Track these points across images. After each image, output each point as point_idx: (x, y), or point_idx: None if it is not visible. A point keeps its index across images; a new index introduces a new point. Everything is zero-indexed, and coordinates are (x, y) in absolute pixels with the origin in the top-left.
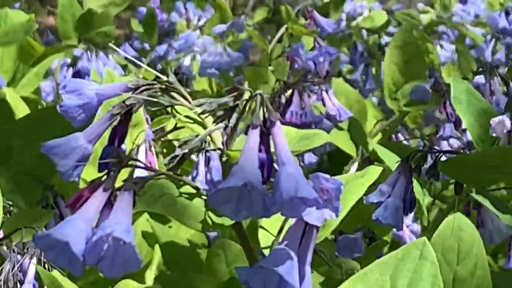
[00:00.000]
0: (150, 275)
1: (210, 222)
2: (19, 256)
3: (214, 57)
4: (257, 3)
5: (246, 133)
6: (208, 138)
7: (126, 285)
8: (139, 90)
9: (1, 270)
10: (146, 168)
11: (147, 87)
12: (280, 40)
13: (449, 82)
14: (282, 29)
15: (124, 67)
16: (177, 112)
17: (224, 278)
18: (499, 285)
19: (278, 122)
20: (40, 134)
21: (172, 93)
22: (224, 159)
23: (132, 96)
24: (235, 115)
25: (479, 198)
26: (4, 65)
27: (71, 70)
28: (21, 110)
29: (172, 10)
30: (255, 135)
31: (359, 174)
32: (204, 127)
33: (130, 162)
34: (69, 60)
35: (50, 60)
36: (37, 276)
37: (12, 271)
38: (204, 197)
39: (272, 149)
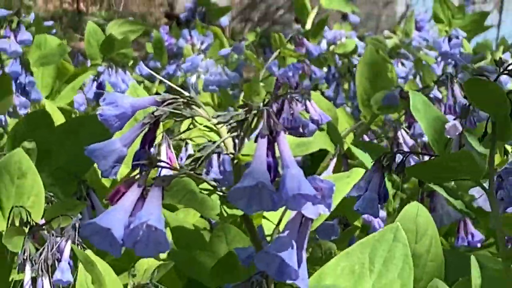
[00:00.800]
0: (163, 254)
1: (224, 213)
2: (57, 239)
3: (215, 77)
4: (252, 29)
5: (255, 141)
6: (222, 144)
7: (146, 262)
8: (165, 103)
9: (42, 250)
10: (171, 168)
11: (172, 100)
12: (273, 61)
13: (410, 93)
14: (276, 53)
15: (141, 82)
16: (196, 122)
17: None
18: (450, 260)
19: (282, 132)
20: (72, 140)
21: (194, 105)
22: (235, 162)
23: (159, 108)
24: (245, 126)
25: (436, 188)
26: (44, 81)
27: (95, 84)
28: (57, 118)
29: (180, 36)
30: (263, 143)
31: (345, 174)
32: (219, 135)
33: (158, 164)
34: (94, 75)
35: (84, 77)
36: (72, 255)
37: (51, 251)
38: (219, 192)
39: (277, 154)
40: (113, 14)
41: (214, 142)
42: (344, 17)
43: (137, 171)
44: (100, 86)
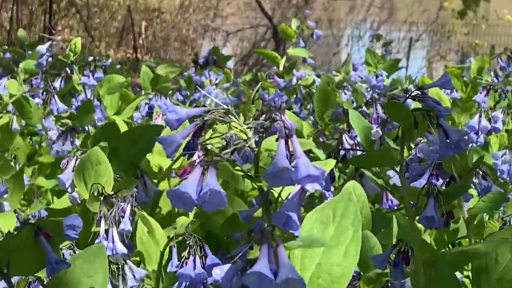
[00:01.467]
0: (191, 215)
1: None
2: (121, 203)
3: (222, 100)
4: (248, 71)
5: (276, 140)
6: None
7: (181, 219)
8: (211, 112)
9: (112, 210)
10: (218, 155)
11: (216, 111)
12: (258, 91)
13: (349, 110)
14: (259, 85)
15: (177, 105)
16: (232, 125)
17: None
18: (376, 218)
19: (294, 135)
20: (131, 142)
21: (230, 115)
22: (255, 153)
23: (208, 115)
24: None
25: (365, 172)
26: (112, 104)
27: (147, 106)
28: (122, 128)
29: (202, 74)
30: (283, 141)
31: (324, 162)
32: (246, 134)
33: (210, 153)
34: (146, 101)
35: (137, 101)
36: (131, 214)
37: (117, 211)
38: (248, 174)
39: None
40: (159, 60)
41: (245, 140)
42: (304, 60)
43: (187, 156)
44: (150, 108)
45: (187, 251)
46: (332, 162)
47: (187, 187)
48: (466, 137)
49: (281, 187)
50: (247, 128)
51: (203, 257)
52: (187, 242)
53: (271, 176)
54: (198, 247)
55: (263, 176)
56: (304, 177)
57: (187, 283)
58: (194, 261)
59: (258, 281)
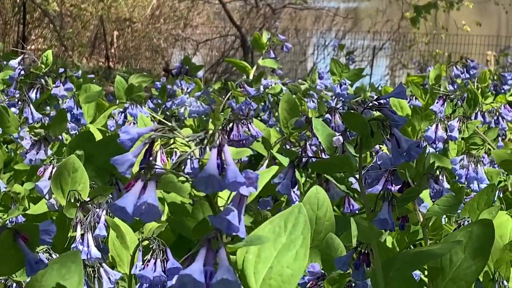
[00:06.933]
0: (163, 218)
1: (193, 194)
2: (97, 210)
3: (196, 108)
4: (217, 79)
5: (210, 150)
6: (192, 153)
7: (150, 224)
8: (157, 130)
9: (87, 216)
10: (162, 169)
11: (161, 128)
12: (228, 99)
13: (312, 118)
14: (229, 94)
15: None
16: (177, 140)
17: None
18: (339, 221)
19: (226, 145)
20: (105, 149)
21: (175, 131)
22: (200, 163)
23: (154, 133)
24: (205, 142)
25: (329, 177)
26: (89, 112)
27: (123, 114)
28: (97, 136)
29: (174, 84)
30: (214, 151)
31: (267, 169)
32: (190, 147)
33: (154, 167)
34: (121, 109)
35: (110, 110)
36: (106, 221)
37: (93, 217)
38: (190, 181)
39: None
40: (131, 69)
41: (187, 152)
42: (273, 70)
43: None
44: (126, 116)
45: (149, 254)
46: (274, 169)
47: (125, 201)
48: (416, 146)
49: (230, 192)
50: (189, 141)
51: (165, 260)
52: (150, 246)
53: (201, 182)
54: (161, 251)
55: (194, 182)
56: (231, 183)
57: (147, 285)
58: (155, 264)
59: (187, 282)
